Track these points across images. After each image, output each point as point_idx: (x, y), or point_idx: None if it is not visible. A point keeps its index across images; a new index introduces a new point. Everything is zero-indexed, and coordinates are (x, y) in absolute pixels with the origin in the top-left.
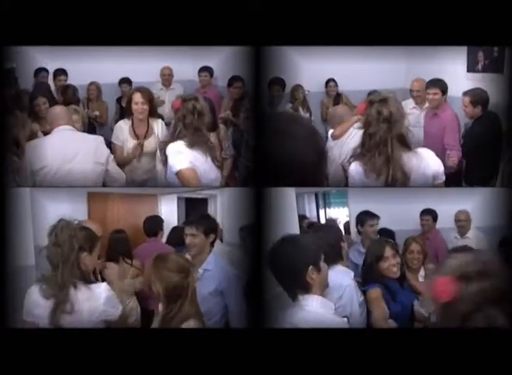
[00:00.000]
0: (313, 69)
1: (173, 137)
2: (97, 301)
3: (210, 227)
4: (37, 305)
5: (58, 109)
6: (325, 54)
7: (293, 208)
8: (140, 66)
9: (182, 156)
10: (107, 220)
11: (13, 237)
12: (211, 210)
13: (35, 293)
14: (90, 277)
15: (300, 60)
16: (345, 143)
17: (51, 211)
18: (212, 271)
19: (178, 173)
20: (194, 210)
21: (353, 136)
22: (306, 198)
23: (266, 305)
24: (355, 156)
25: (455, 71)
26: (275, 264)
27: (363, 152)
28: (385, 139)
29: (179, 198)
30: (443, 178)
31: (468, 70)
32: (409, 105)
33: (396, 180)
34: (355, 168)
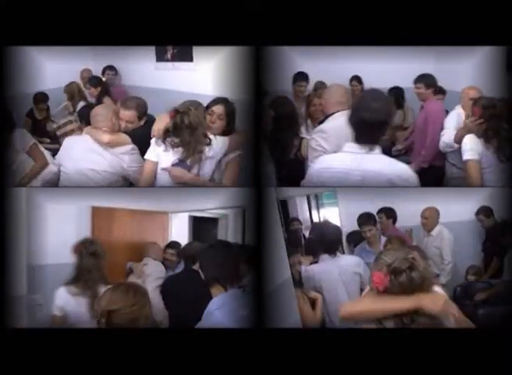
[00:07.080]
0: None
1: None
2: None
3: None
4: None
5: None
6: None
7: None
8: (60, 67)
9: (153, 148)
10: (112, 236)
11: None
12: (222, 230)
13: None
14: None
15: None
16: None
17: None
18: None
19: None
20: (205, 229)
21: None
22: (297, 200)
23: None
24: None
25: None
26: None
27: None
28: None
29: (190, 217)
30: None
31: None
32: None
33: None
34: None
